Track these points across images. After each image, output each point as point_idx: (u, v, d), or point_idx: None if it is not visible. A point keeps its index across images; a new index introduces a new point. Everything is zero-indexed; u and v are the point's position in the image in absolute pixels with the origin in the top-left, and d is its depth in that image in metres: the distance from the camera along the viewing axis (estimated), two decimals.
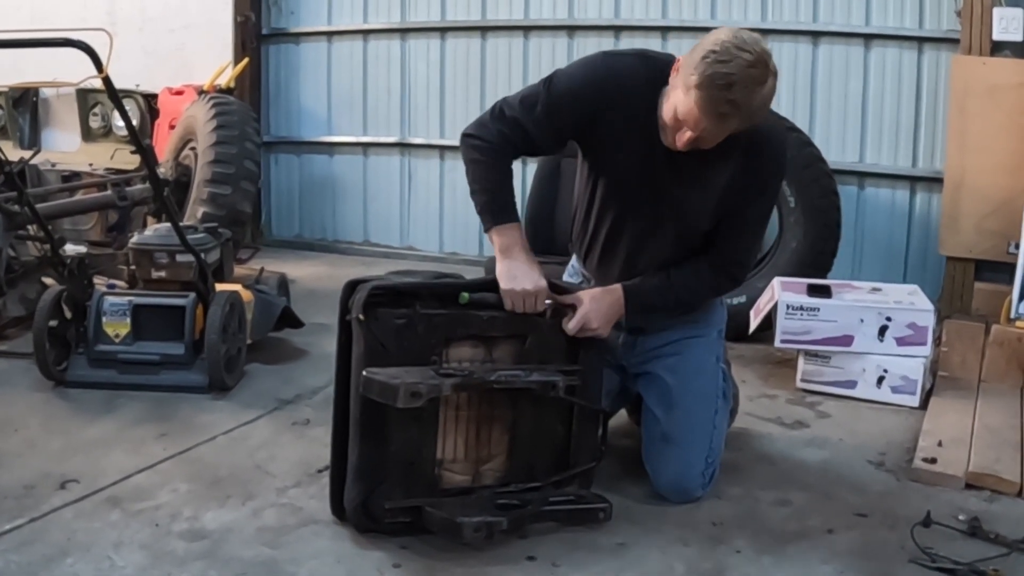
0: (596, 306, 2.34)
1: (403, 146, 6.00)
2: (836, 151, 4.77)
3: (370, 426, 2.15)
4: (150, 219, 4.88)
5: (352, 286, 2.20)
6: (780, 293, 3.50)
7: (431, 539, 2.19)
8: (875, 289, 3.58)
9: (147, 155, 3.30)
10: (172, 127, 5.57)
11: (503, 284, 2.27)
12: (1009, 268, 3.84)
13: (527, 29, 5.54)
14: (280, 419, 3.07)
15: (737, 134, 2.22)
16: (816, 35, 4.85)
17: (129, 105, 5.66)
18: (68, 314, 3.32)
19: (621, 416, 2.85)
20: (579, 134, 2.39)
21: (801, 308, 3.42)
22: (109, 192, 4.55)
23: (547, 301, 2.32)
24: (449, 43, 5.78)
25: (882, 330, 3.35)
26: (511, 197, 2.37)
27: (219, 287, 3.46)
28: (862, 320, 3.37)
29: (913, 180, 4.77)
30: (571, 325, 2.32)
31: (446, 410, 2.23)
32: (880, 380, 3.33)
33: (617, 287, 2.42)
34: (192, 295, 3.34)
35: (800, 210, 4.08)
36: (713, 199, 2.35)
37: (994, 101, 4.17)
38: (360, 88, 6.07)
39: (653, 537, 2.28)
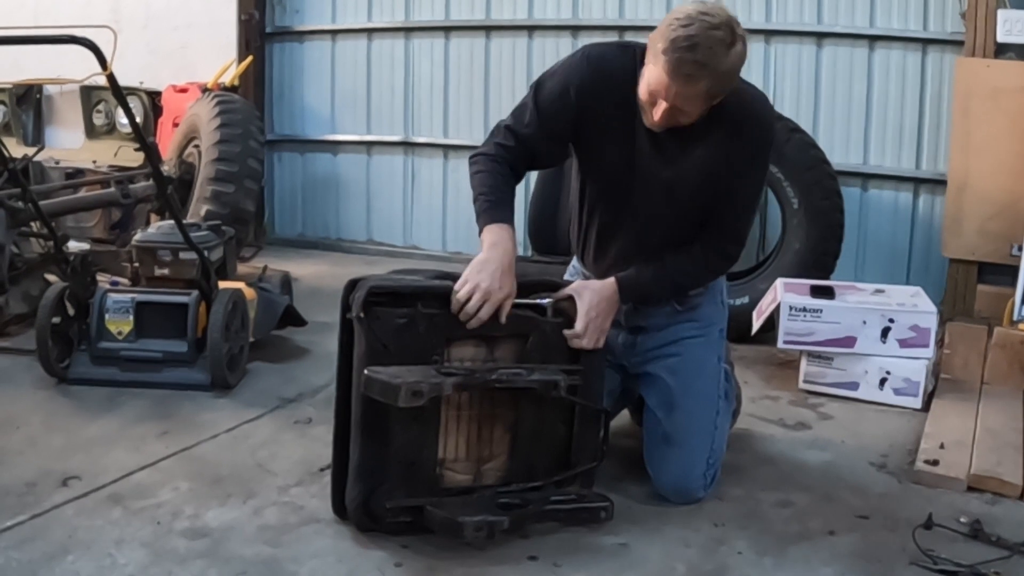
0: (595, 298, 2.34)
1: (407, 145, 6.01)
2: (840, 153, 4.77)
3: (372, 425, 2.15)
4: (153, 217, 4.89)
5: (353, 285, 2.20)
6: (783, 294, 3.50)
7: (432, 538, 2.18)
8: (878, 291, 3.58)
9: (151, 152, 3.30)
10: (176, 125, 5.57)
11: (465, 272, 2.20)
12: (1012, 270, 3.84)
13: (531, 29, 5.55)
14: (282, 418, 3.07)
15: (719, 110, 2.24)
16: (820, 36, 4.85)
17: (133, 102, 5.65)
18: (71, 311, 3.33)
19: (623, 416, 2.85)
20: (572, 133, 2.40)
21: (804, 309, 3.42)
22: (112, 189, 4.55)
23: (546, 300, 2.32)
24: (453, 42, 5.79)
25: (885, 332, 3.35)
26: (507, 200, 2.35)
27: (222, 285, 3.46)
28: (865, 322, 3.36)
29: (916, 182, 4.77)
30: (578, 327, 2.30)
31: (447, 409, 2.23)
32: (882, 382, 3.33)
33: (611, 279, 2.42)
34: (195, 293, 3.34)
35: (803, 211, 4.08)
36: (701, 177, 2.35)
37: (998, 104, 4.17)
38: (364, 87, 6.07)
39: (654, 538, 2.28)
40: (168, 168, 5.00)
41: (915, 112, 4.72)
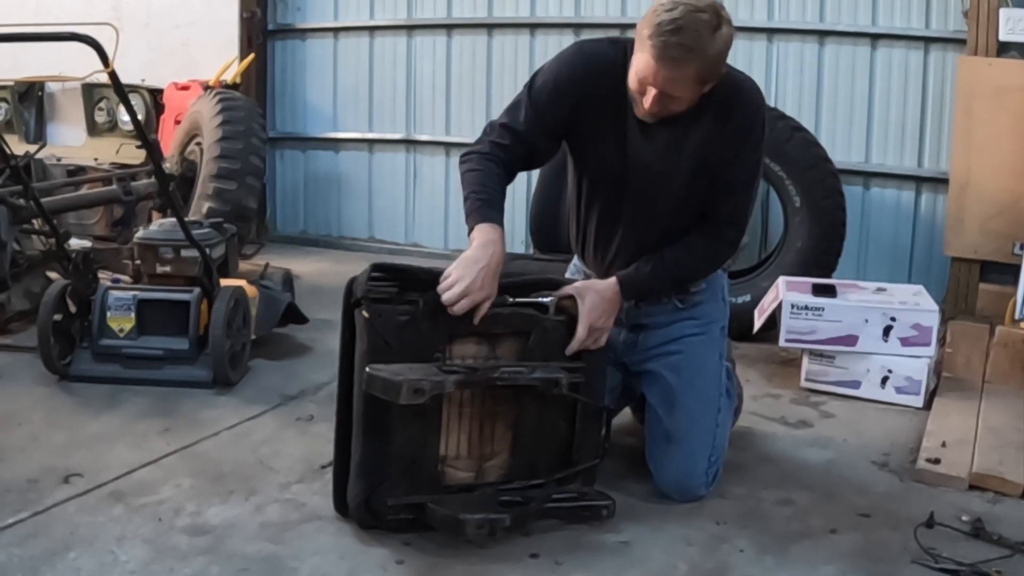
0: (596, 298, 2.33)
1: (408, 143, 6.01)
2: (842, 151, 4.76)
3: (373, 423, 2.15)
4: (155, 214, 4.89)
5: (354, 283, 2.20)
6: (785, 293, 3.50)
7: (434, 536, 2.18)
8: (880, 289, 3.58)
9: (152, 150, 3.30)
10: (178, 122, 5.57)
11: (452, 266, 2.19)
12: (1014, 269, 3.84)
13: (533, 26, 5.54)
14: (284, 415, 3.07)
15: (708, 98, 2.24)
16: (823, 35, 4.84)
17: (135, 100, 5.67)
18: (72, 308, 3.33)
19: (625, 414, 2.85)
20: (567, 127, 2.40)
21: (806, 308, 3.42)
22: (114, 187, 4.56)
23: (548, 298, 2.32)
24: (455, 40, 5.78)
25: (887, 330, 3.35)
26: (498, 199, 2.33)
27: (224, 282, 3.47)
28: (867, 320, 3.36)
29: (919, 180, 4.77)
30: (580, 331, 2.29)
31: (449, 407, 2.23)
32: (884, 380, 3.33)
33: (612, 279, 2.41)
34: (197, 290, 3.34)
35: (805, 210, 4.08)
36: (694, 165, 2.35)
37: (1000, 102, 4.16)
38: (366, 85, 6.07)
39: (656, 536, 2.28)
40: (170, 165, 5.00)
41: (917, 111, 4.71)
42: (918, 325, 3.33)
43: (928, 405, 3.25)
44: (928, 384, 3.31)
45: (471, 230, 2.27)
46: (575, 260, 2.73)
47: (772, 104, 4.53)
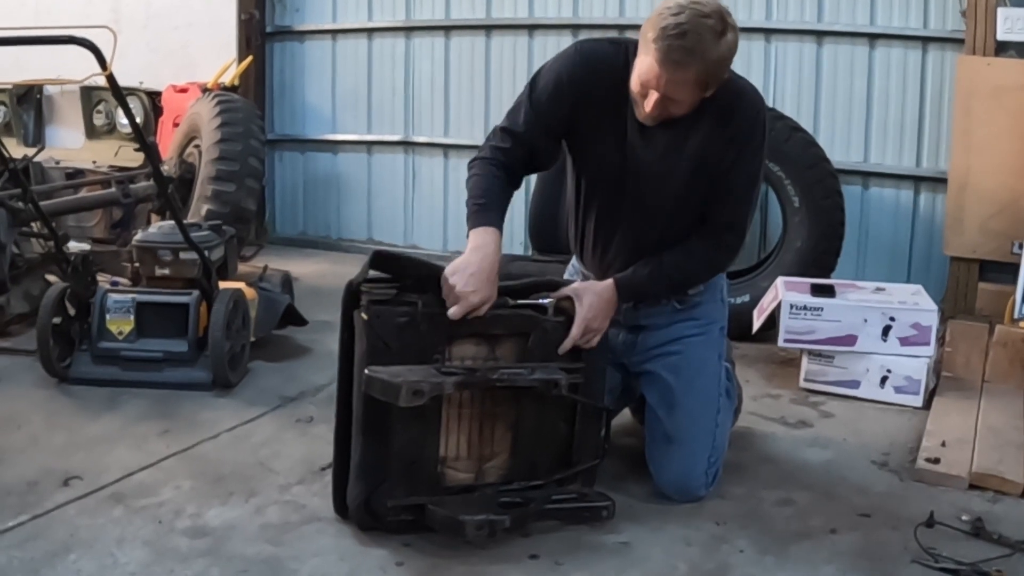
0: (594, 299, 2.33)
1: (407, 144, 6.00)
2: (840, 151, 4.76)
3: (373, 424, 2.15)
4: (154, 216, 4.89)
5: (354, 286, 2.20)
6: (784, 293, 3.50)
7: (434, 537, 2.19)
8: (879, 289, 3.58)
9: (151, 152, 3.31)
10: (176, 125, 5.57)
11: (446, 270, 2.20)
12: (1013, 268, 3.84)
13: (532, 28, 5.54)
14: (283, 417, 3.07)
15: (709, 102, 2.24)
16: (820, 34, 4.84)
17: (133, 103, 5.65)
18: (72, 311, 3.33)
19: (624, 414, 2.85)
20: (567, 127, 2.40)
21: (805, 308, 3.42)
22: (113, 189, 4.55)
23: (547, 299, 2.32)
24: (453, 41, 5.78)
25: (886, 330, 3.35)
26: (496, 203, 2.34)
27: (223, 285, 3.47)
28: (866, 320, 3.36)
29: (917, 180, 4.76)
30: (574, 331, 2.30)
31: (448, 408, 2.23)
32: (884, 380, 3.33)
33: (609, 281, 2.41)
34: (196, 292, 3.34)
35: (804, 210, 4.08)
36: (693, 168, 2.35)
37: (999, 102, 4.17)
38: (364, 86, 6.07)
39: (656, 536, 2.28)
40: (168, 168, 5.00)
41: (916, 110, 4.71)
42: (917, 324, 3.33)
43: (927, 405, 3.25)
44: (927, 384, 3.31)
45: (468, 234, 2.29)
46: (573, 261, 2.73)
47: (771, 104, 4.52)
